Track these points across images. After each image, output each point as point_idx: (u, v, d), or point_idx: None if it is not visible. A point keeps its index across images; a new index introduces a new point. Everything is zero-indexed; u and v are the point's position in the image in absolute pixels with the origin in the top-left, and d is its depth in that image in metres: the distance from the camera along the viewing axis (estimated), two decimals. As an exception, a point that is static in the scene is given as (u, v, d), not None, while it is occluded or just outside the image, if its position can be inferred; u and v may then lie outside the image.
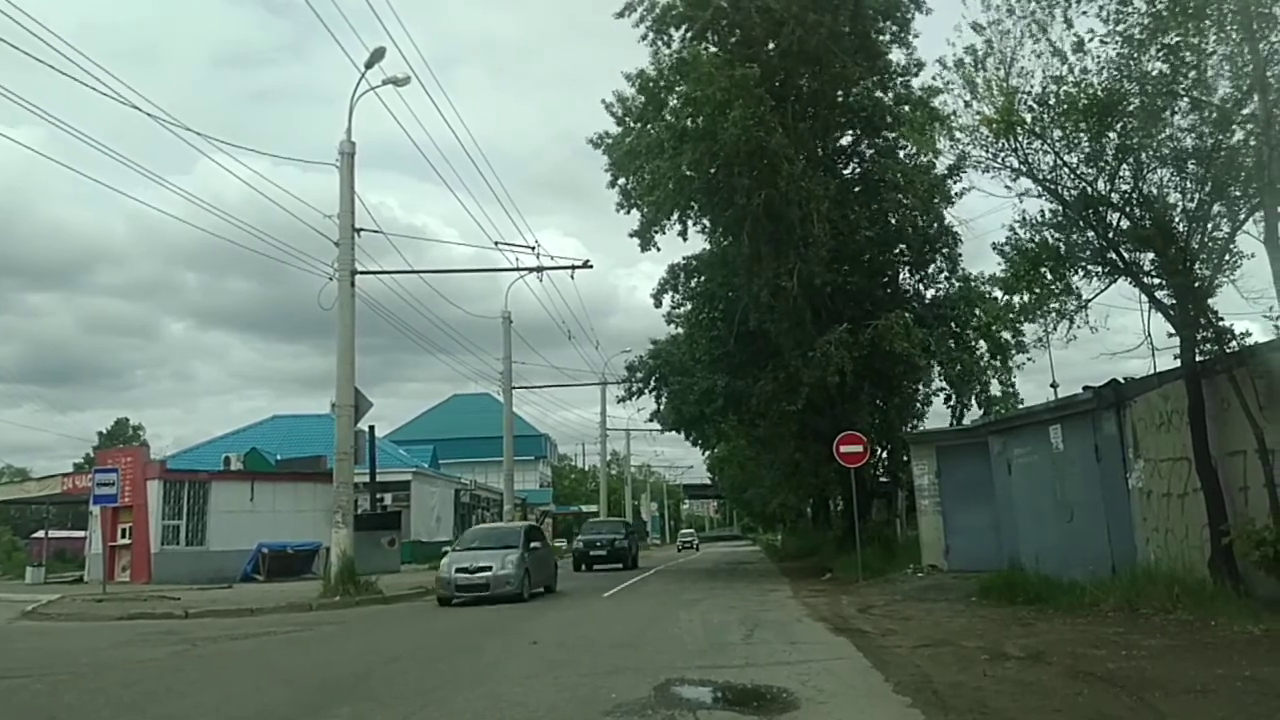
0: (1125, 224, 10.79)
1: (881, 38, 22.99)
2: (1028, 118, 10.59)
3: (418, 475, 42.87)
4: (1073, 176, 10.94)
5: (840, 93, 23.49)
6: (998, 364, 23.53)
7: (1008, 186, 11.51)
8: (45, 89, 15.35)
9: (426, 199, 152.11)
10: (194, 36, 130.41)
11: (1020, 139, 10.85)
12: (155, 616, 16.36)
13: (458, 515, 47.33)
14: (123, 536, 27.82)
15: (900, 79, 23.54)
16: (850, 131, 24.93)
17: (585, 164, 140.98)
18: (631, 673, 7.81)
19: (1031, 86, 10.76)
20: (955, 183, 22.90)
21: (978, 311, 23.10)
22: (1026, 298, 11.57)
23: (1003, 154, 11.17)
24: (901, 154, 23.78)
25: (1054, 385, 27.86)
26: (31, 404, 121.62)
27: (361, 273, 19.95)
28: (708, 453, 52.99)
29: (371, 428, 32.39)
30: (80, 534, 36.61)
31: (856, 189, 24.05)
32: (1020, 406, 22.05)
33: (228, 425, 44.16)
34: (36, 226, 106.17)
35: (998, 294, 23.05)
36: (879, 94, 23.96)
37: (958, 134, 11.72)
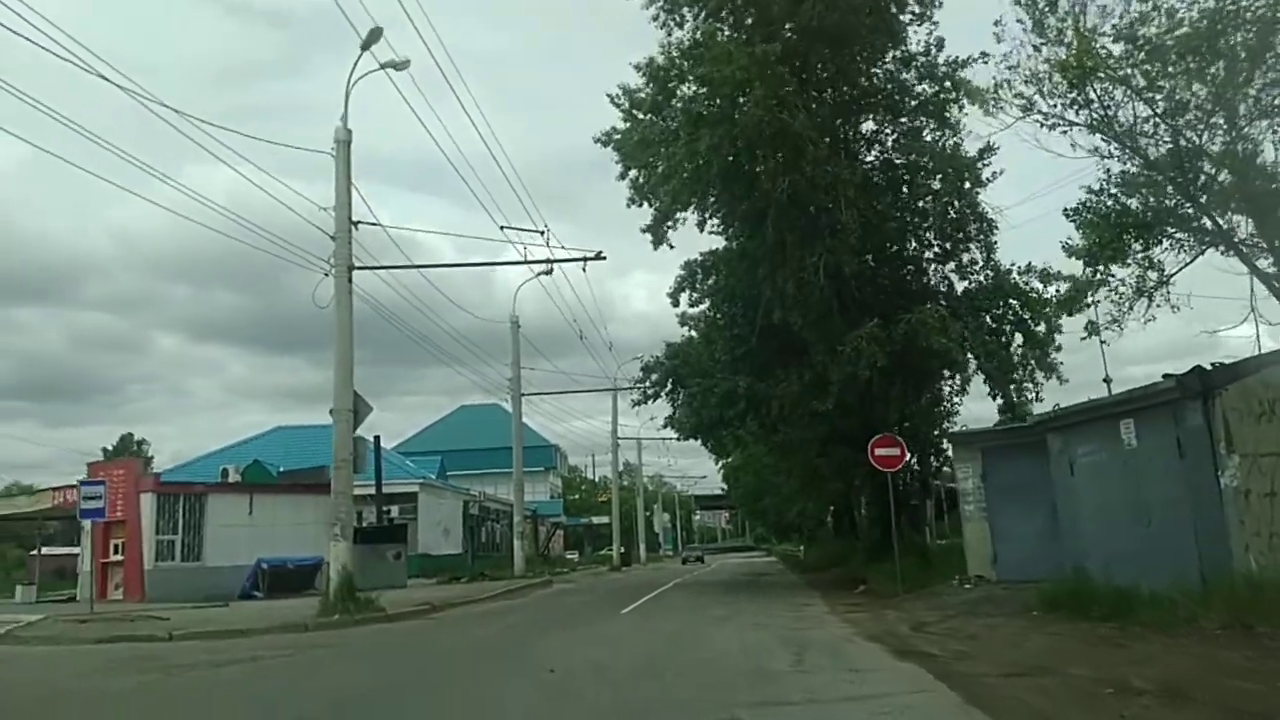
0: (1222, 180, 9.41)
1: (902, 17, 21.77)
2: (1110, 58, 9.21)
3: (425, 486, 41.63)
4: (1159, 127, 9.56)
5: (862, 76, 22.24)
6: (1034, 359, 21.97)
7: (1074, 144, 10.23)
8: (28, 86, 14.17)
9: (419, 210, 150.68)
10: (183, 49, 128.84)
11: (1099, 85, 9.48)
12: (138, 639, 15.05)
13: (466, 527, 46.00)
14: (116, 553, 26.56)
15: (924, 57, 22.25)
16: (872, 116, 23.64)
17: (577, 176, 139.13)
18: (666, 713, 6.43)
19: (1111, 26, 9.40)
20: (986, 166, 21.61)
21: (1012, 302, 21.79)
22: (1102, 270, 10.19)
23: (1076, 105, 9.81)
24: (928, 136, 22.48)
25: (1107, 380, 26.34)
26: (28, 420, 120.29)
27: (359, 268, 18.69)
28: (722, 462, 51.72)
29: (377, 437, 31.13)
30: (79, 550, 35.37)
31: (876, 178, 22.72)
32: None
33: (226, 441, 42.74)
34: (19, 239, 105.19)
35: (1037, 285, 22.01)
36: (904, 74, 22.67)
37: (1021, 86, 10.38)
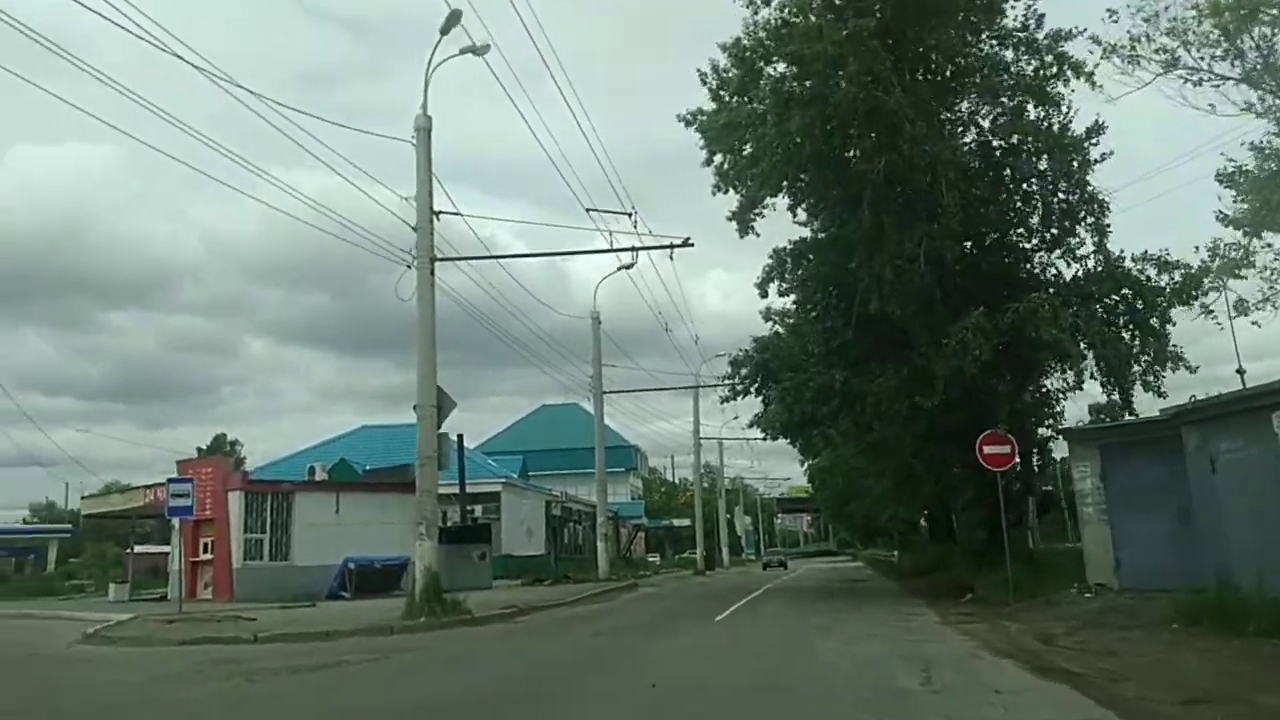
0: None
1: None
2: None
3: (508, 486, 41.30)
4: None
5: (959, 55, 21.05)
6: (1153, 350, 20.38)
7: (1212, 105, 9.09)
8: (115, 99, 14.21)
9: (497, 213, 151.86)
10: (260, 53, 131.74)
11: (1257, 30, 8.37)
12: (223, 641, 14.76)
13: (549, 528, 45.62)
14: (205, 551, 26.69)
15: (1022, 33, 20.97)
16: (969, 96, 22.39)
17: (649, 175, 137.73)
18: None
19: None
20: (1094, 145, 20.27)
21: (1125, 292, 20.35)
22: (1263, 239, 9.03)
23: (1229, 56, 8.70)
24: (1030, 115, 21.17)
25: (1240, 371, 24.50)
26: (125, 421, 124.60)
27: (441, 259, 18.27)
28: (807, 464, 50.43)
29: (460, 436, 30.81)
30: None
31: (974, 161, 21.48)
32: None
33: (315, 441, 43.13)
34: (114, 244, 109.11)
35: (1150, 273, 20.55)
36: (1002, 52, 21.39)
37: (1163, 39, 9.28)
